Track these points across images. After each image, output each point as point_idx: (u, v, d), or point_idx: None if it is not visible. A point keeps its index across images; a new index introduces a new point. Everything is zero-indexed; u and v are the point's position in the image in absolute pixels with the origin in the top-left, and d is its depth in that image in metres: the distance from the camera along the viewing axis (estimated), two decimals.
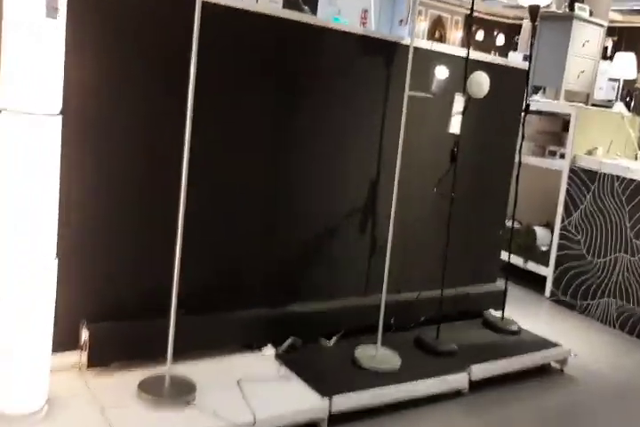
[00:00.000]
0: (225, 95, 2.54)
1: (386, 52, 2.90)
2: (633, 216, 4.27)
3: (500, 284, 3.70)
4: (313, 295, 2.91)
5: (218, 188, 2.57)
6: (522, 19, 10.79)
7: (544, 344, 3.35)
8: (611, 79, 5.33)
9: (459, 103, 2.87)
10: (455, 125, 2.89)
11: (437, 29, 11.11)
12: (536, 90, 5.48)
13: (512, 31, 11.04)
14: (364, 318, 2.92)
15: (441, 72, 2.89)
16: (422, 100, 2.85)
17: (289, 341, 2.75)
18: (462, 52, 3.03)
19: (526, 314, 4.21)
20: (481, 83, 2.77)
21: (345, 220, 2.93)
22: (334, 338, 2.90)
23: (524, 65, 3.51)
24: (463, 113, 2.88)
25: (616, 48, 9.94)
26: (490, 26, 11.05)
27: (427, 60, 3.02)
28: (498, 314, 3.58)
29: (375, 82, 2.93)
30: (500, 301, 3.57)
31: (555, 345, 3.37)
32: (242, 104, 2.58)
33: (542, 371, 3.36)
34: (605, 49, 6.27)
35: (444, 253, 3.02)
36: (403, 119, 2.69)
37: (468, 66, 2.90)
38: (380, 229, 3.02)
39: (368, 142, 2.97)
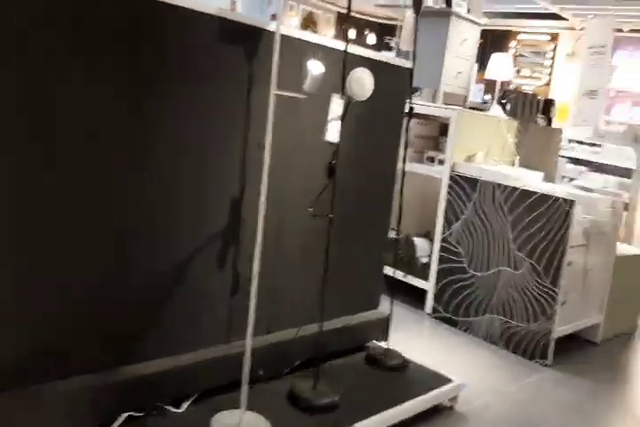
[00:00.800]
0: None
1: (249, 41, 2.28)
2: (515, 227, 3.94)
3: (383, 309, 3.20)
4: (156, 350, 2.22)
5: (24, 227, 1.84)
6: (393, 19, 10.51)
7: (434, 381, 2.88)
8: (485, 81, 5.07)
9: (337, 106, 2.31)
10: (333, 133, 2.32)
11: (309, 26, 10.66)
12: (415, 91, 5.07)
13: (383, 31, 10.74)
14: (225, 373, 2.28)
15: (315, 68, 2.31)
16: (298, 103, 2.27)
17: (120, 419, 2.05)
18: (341, 46, 2.47)
19: (408, 335, 3.76)
20: (363, 82, 2.22)
21: (199, 252, 2.27)
22: (185, 404, 2.24)
23: (408, 63, 3.01)
24: (343, 118, 2.32)
25: (482, 51, 9.92)
26: (361, 25, 10.70)
27: (299, 52, 2.43)
28: (383, 344, 3.08)
29: (236, 80, 2.30)
30: (384, 328, 3.08)
31: (446, 381, 2.91)
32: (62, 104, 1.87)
33: (432, 411, 2.90)
34: None
35: (322, 281, 2.45)
36: (269, 125, 2.08)
37: (348, 62, 2.34)
38: (245, 259, 2.39)
39: (227, 154, 2.33)
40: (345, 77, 2.28)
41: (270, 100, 2.07)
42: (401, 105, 3.06)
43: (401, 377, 2.83)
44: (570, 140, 9.17)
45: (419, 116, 4.50)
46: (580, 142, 8.97)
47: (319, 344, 2.51)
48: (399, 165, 3.15)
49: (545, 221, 3.84)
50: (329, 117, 2.31)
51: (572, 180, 8.12)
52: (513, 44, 10.10)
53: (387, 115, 3.01)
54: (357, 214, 2.97)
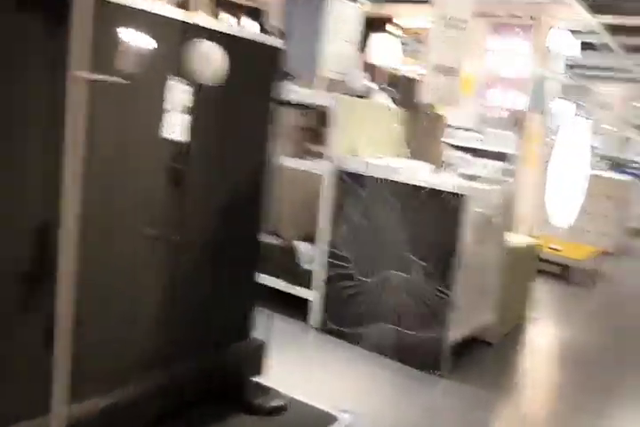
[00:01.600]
0: None
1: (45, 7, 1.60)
2: (406, 227, 3.48)
3: (258, 336, 2.63)
4: None
5: None
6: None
7: (319, 421, 2.36)
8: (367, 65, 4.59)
9: (178, 93, 1.69)
10: (175, 128, 1.71)
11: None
12: (289, 77, 4.50)
13: (257, 17, 10.06)
14: None
15: (141, 41, 1.67)
16: (123, 91, 1.65)
17: None
18: (182, 16, 1.84)
19: (291, 358, 3.23)
20: (210, 59, 1.62)
21: None
22: None
23: (278, 42, 2.43)
24: (190, 108, 1.71)
25: (363, 39, 9.55)
26: (235, 9, 9.99)
27: (120, 21, 1.78)
28: (263, 380, 2.53)
29: (31, 62, 1.62)
30: (259, 360, 2.51)
31: (332, 419, 2.40)
32: None
33: None
34: None
35: (171, 316, 1.85)
36: (70, 119, 1.44)
37: (195, 37, 1.73)
38: (54, 300, 1.73)
39: (21, 163, 1.65)
40: (186, 54, 1.67)
41: (72, 85, 1.42)
42: (270, 91, 2.48)
43: (279, 423, 2.29)
44: (453, 127, 8.97)
45: (296, 104, 3.94)
46: (463, 129, 8.80)
47: (171, 395, 1.91)
48: (277, 162, 2.58)
49: (436, 219, 3.41)
50: (168, 108, 1.70)
51: (456, 167, 7.90)
52: (395, 30, 9.74)
53: (252, 103, 2.42)
54: (219, 226, 2.37)
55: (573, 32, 9.79)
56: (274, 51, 2.41)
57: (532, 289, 4.82)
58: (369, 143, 4.06)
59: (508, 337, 4.25)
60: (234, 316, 2.50)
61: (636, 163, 11.45)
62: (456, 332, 3.53)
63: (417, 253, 3.44)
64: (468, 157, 8.36)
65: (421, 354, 3.40)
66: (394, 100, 4.49)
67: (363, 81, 4.38)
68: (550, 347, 4.48)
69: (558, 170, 6.39)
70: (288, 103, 3.95)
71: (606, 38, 9.91)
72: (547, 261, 6.20)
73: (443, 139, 5.43)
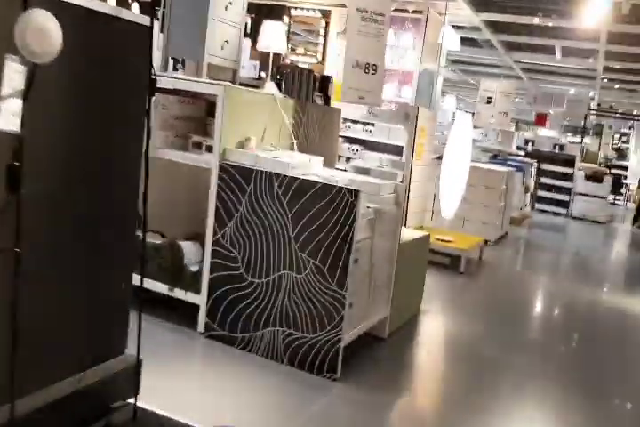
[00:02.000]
0: None
1: None
2: (297, 224, 3.25)
3: (130, 354, 2.30)
4: None
5: None
6: None
7: None
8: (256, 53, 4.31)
9: (14, 74, 1.36)
10: (9, 117, 1.37)
11: None
12: (177, 64, 4.15)
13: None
14: None
15: None
16: None
17: None
18: None
19: (174, 370, 2.92)
20: (45, 30, 1.30)
21: None
22: None
23: (146, 20, 2.10)
24: (26, 93, 1.38)
25: (256, 27, 9.24)
26: None
27: None
28: (138, 401, 2.21)
29: None
30: (134, 378, 2.19)
31: None
32: None
33: None
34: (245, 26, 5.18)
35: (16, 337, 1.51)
36: None
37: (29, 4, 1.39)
38: None
39: None
40: (19, 27, 1.33)
41: None
42: (140, 76, 2.15)
43: None
44: (345, 120, 8.87)
45: (181, 93, 3.60)
46: (355, 121, 8.72)
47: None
48: (156, 154, 2.25)
49: (328, 215, 3.20)
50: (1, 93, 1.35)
51: (349, 160, 7.82)
52: (286, 19, 9.48)
53: (118, 89, 2.08)
54: (79, 231, 2.02)
55: (457, 28, 9.94)
56: (141, 30, 2.08)
57: (424, 281, 4.77)
58: (258, 135, 3.79)
59: (401, 331, 4.14)
60: (103, 330, 2.17)
61: (515, 155, 11.88)
62: (351, 332, 3.35)
63: (309, 252, 3.22)
64: (359, 148, 8.28)
65: (316, 358, 3.20)
66: (286, 91, 4.24)
67: (253, 70, 4.10)
68: (440, 340, 4.43)
69: (449, 163, 6.40)
70: (172, 91, 3.61)
71: (488, 35, 10.16)
72: (437, 252, 6.21)
73: (339, 133, 5.25)
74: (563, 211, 12.89)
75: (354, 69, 3.95)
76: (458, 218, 8.16)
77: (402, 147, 6.83)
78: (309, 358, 3.20)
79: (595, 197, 12.79)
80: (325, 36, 9.28)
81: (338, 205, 3.20)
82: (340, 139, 8.76)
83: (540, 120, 16.05)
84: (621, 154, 21.59)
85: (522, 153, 12.21)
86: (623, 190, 18.42)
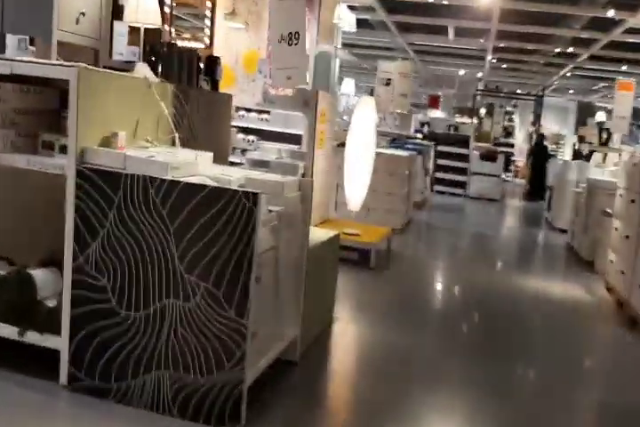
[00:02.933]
0: None
1: None
2: (181, 240, 2.54)
3: None
4: None
5: None
6: None
7: None
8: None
9: None
10: None
11: None
12: (21, 42, 3.24)
13: None
14: None
15: None
16: None
17: None
18: None
19: None
20: None
21: None
22: None
23: None
24: None
25: None
26: None
27: None
28: None
29: None
30: None
31: None
32: None
33: None
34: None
35: None
36: None
37: None
38: None
39: None
40: None
41: None
42: None
43: None
44: (238, 108, 8.11)
45: (22, 79, 2.76)
46: (249, 110, 7.99)
47: None
48: None
49: (221, 226, 2.52)
50: None
51: (244, 152, 7.10)
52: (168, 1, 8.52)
53: None
54: None
55: (351, 8, 9.37)
56: None
57: (336, 286, 4.19)
58: (128, 129, 3.02)
59: (314, 349, 3.54)
60: None
61: (413, 138, 11.57)
62: (255, 367, 2.70)
63: (199, 273, 2.53)
64: (255, 139, 7.59)
65: (213, 405, 2.52)
66: (164, 75, 3.47)
67: (132, 57, 3.30)
68: (356, 356, 3.83)
69: (353, 150, 5.82)
70: (13, 78, 2.76)
71: (382, 16, 9.68)
72: (345, 247, 5.66)
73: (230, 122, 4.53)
74: (460, 191, 12.79)
75: (280, 45, 3.25)
76: (362, 207, 7.67)
77: (300, 135, 6.21)
78: (205, 406, 2.52)
79: (489, 175, 12.79)
80: (212, 19, 8.40)
81: (233, 213, 2.52)
82: (234, 129, 8.03)
83: (433, 102, 15.94)
84: (507, 132, 22.12)
85: (420, 136, 11.94)
86: (512, 167, 18.83)
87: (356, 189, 5.91)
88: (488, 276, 6.15)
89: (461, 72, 15.83)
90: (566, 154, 19.06)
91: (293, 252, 3.18)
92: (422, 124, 12.90)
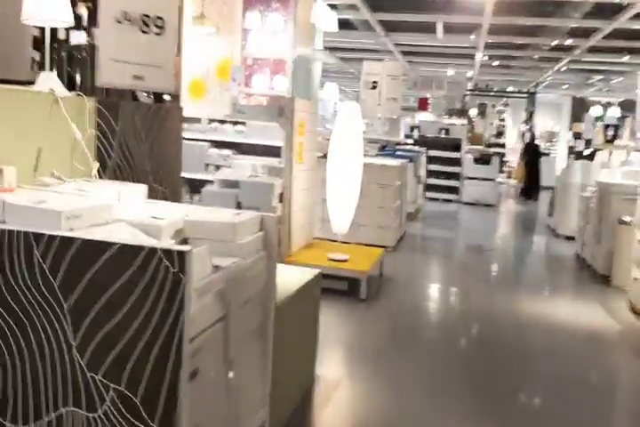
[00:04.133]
0: None
1: None
2: (81, 322, 1.75)
3: None
4: None
5: None
6: None
7: None
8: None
9: None
10: None
11: None
12: None
13: None
14: None
15: None
16: None
17: None
18: None
19: None
20: None
21: None
22: None
23: None
24: None
25: None
26: None
27: None
28: None
29: None
30: None
31: None
32: None
33: None
34: None
35: None
36: None
37: None
38: None
39: None
40: None
41: None
42: None
43: None
44: (211, 120, 7.31)
45: None
46: (222, 122, 7.20)
47: None
48: None
49: (135, 302, 1.72)
50: None
51: (219, 168, 6.33)
52: None
53: None
54: None
55: (332, 7, 8.58)
56: None
57: (317, 339, 3.39)
58: (27, 163, 2.22)
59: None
60: None
61: (403, 144, 10.78)
62: None
63: (107, 371, 1.73)
64: (230, 153, 6.80)
65: None
66: (82, 87, 2.68)
67: (24, 53, 2.51)
68: None
69: (337, 163, 5.03)
70: None
71: (366, 15, 8.90)
72: (332, 276, 4.87)
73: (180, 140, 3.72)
74: (453, 197, 12.02)
75: (120, 26, 2.44)
76: (352, 225, 6.88)
77: (281, 147, 5.44)
78: None
79: (484, 179, 12.02)
80: (179, 23, 7.58)
81: (151, 282, 1.72)
82: (206, 144, 7.22)
83: (423, 104, 15.18)
84: (498, 132, 21.39)
85: (410, 141, 11.16)
86: (505, 168, 18.08)
87: (342, 208, 5.11)
88: (493, 300, 5.36)
89: (451, 72, 15.07)
90: (560, 152, 18.37)
91: (254, 317, 2.38)
92: (412, 129, 12.11)
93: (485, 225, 10.10)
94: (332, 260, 5.02)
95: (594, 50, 10.45)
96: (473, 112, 17.34)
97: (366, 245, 6.77)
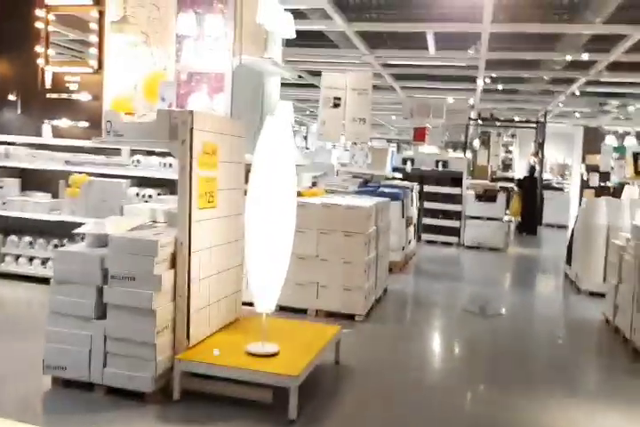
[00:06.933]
0: None
1: None
2: None
3: None
4: None
5: None
6: None
7: None
8: None
9: None
10: None
11: None
12: None
13: None
14: None
15: None
16: None
17: None
18: None
19: None
20: None
21: None
22: None
23: None
24: None
25: None
26: None
27: None
28: None
29: None
30: None
31: None
32: None
33: None
34: None
35: None
36: None
37: None
38: None
39: None
40: None
41: None
42: None
43: None
44: (133, 152, 5.71)
45: None
46: (150, 153, 5.60)
47: None
48: None
49: None
50: None
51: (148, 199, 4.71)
52: (41, 12, 6.23)
53: None
54: None
55: (297, 15, 7.05)
56: None
57: None
58: None
59: None
60: None
61: (392, 178, 9.11)
62: None
63: None
64: (162, 193, 5.20)
65: None
66: None
67: None
68: None
69: (258, 204, 3.34)
70: None
71: (341, 25, 7.37)
72: (247, 383, 3.14)
73: None
74: (454, 240, 10.28)
75: None
76: (309, 286, 5.15)
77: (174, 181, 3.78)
78: None
79: (489, 219, 10.30)
80: (100, 34, 6.06)
81: None
82: (125, 181, 5.62)
83: (419, 135, 13.58)
84: (505, 164, 19.77)
85: (399, 175, 9.49)
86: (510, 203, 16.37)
87: (266, 276, 3.38)
88: (495, 408, 3.57)
89: (450, 99, 13.53)
90: (574, 186, 16.68)
91: None
92: (405, 161, 10.48)
93: (490, 276, 8.28)
94: (251, 355, 3.29)
95: (613, 67, 8.86)
96: (476, 143, 15.72)
97: (329, 314, 5.06)
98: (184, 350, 3.28)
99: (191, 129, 3.32)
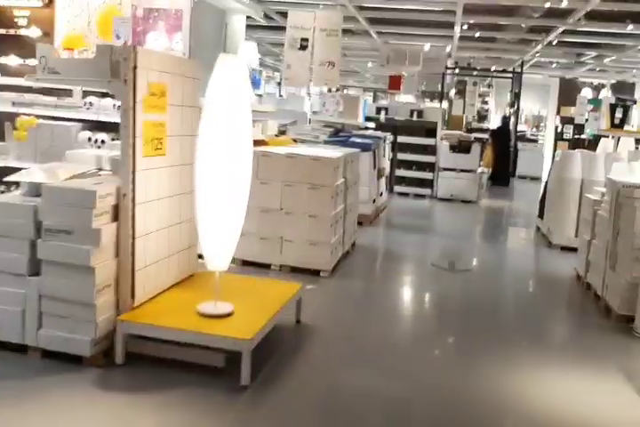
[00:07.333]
0: None
1: None
2: None
3: None
4: None
5: None
6: None
7: None
8: None
9: None
10: None
11: None
12: None
13: None
14: None
15: None
16: None
17: None
18: None
19: None
20: None
21: None
22: None
23: None
24: None
25: None
26: None
27: None
28: None
29: None
30: None
31: None
32: None
33: None
34: None
35: None
36: None
37: None
38: None
39: None
40: None
41: None
42: None
43: None
44: (85, 94, 5.26)
45: None
46: (104, 95, 5.14)
47: None
48: None
49: None
50: None
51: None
52: None
53: None
54: None
55: None
56: None
57: None
58: None
59: None
60: None
61: (364, 128, 8.76)
62: None
63: None
64: (115, 139, 4.80)
65: None
66: None
67: None
68: None
69: (211, 155, 3.00)
70: None
71: None
72: (194, 345, 2.90)
73: None
74: (426, 192, 10.06)
75: None
76: (273, 240, 4.88)
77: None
78: None
79: (462, 171, 10.06)
80: None
81: None
82: (76, 125, 5.19)
83: (395, 83, 13.14)
84: (481, 116, 19.43)
85: (372, 125, 9.13)
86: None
87: (218, 230, 3.09)
88: (457, 367, 3.40)
89: (426, 47, 13.01)
90: (548, 138, 16.49)
91: None
92: (378, 111, 10.09)
93: (461, 230, 8.12)
94: (202, 315, 3.04)
95: (593, 17, 8.47)
96: (452, 93, 15.31)
97: (293, 269, 4.82)
98: (128, 310, 3.01)
99: (134, 67, 2.93)
